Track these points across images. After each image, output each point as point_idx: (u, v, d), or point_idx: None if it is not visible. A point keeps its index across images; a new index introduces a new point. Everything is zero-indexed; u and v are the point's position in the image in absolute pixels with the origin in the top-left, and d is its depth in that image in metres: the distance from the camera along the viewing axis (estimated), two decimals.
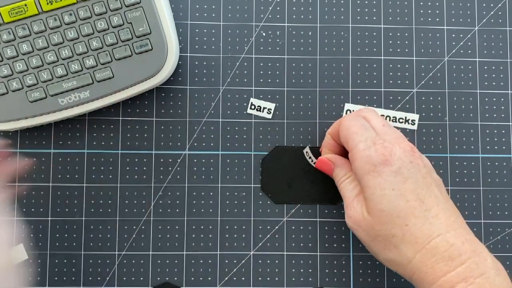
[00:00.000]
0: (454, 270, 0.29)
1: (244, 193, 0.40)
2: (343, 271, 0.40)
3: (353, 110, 0.40)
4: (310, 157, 0.40)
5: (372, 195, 0.32)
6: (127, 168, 0.40)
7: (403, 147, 0.32)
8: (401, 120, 0.41)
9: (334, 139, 0.37)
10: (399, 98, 0.41)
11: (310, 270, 0.40)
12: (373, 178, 0.32)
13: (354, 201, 0.34)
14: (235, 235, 0.40)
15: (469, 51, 0.42)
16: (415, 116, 0.41)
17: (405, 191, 0.31)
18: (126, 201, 0.40)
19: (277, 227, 0.40)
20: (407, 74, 0.41)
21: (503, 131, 0.41)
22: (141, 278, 0.39)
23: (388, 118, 0.41)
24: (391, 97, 0.41)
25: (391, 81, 0.41)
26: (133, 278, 0.39)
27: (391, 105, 0.41)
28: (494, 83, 0.41)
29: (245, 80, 0.41)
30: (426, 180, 0.32)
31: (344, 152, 0.38)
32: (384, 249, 0.32)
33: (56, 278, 0.39)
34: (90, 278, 0.39)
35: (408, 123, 0.41)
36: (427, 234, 0.30)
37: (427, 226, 0.31)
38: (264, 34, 0.41)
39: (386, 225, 0.31)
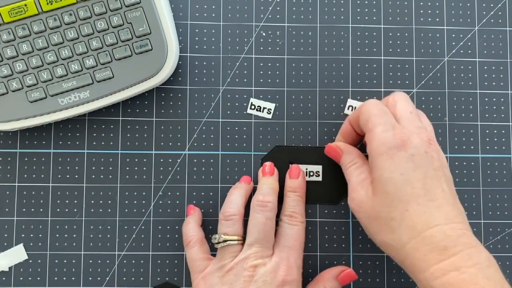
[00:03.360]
0: (447, 259, 0.29)
1: None
2: None
3: (355, 107, 0.40)
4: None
5: (381, 177, 0.32)
6: (127, 168, 0.40)
7: (421, 137, 0.32)
8: None
9: (352, 126, 0.37)
10: None
11: (310, 270, 0.40)
12: (385, 160, 0.32)
13: (359, 185, 0.34)
14: None
15: (469, 51, 0.42)
16: None
17: (413, 178, 0.31)
18: (126, 201, 0.40)
19: (277, 227, 0.40)
20: (407, 74, 0.41)
21: (503, 131, 0.41)
22: (141, 278, 0.39)
23: None
24: None
25: (391, 81, 0.41)
26: (133, 278, 0.39)
27: None
28: (494, 83, 0.41)
29: (245, 80, 0.41)
30: (437, 172, 0.32)
31: (357, 142, 0.38)
32: (381, 231, 0.32)
33: (56, 278, 0.39)
34: (90, 278, 0.39)
35: None
36: (425, 222, 0.31)
37: (427, 215, 0.31)
38: (264, 34, 0.41)
39: (388, 208, 0.32)
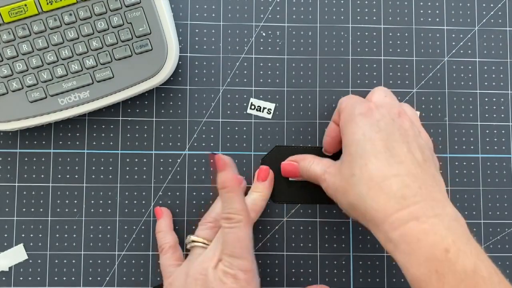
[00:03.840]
0: (406, 208, 0.28)
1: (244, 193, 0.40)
2: (343, 271, 0.40)
3: None
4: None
5: (346, 142, 0.32)
6: (127, 168, 0.40)
7: (389, 109, 0.33)
8: None
9: (337, 124, 0.37)
10: (399, 98, 0.41)
11: (310, 270, 0.40)
12: (351, 126, 0.32)
13: (326, 172, 0.34)
14: None
15: (469, 51, 0.42)
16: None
17: (374, 138, 0.31)
18: (126, 201, 0.40)
19: (277, 227, 0.40)
20: (407, 74, 0.41)
21: (503, 131, 0.41)
22: (141, 278, 0.39)
23: None
24: None
25: (391, 81, 0.41)
26: (133, 278, 0.39)
27: None
28: (494, 83, 0.41)
29: (245, 80, 0.41)
30: (404, 138, 0.31)
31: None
32: (346, 192, 0.32)
33: (56, 278, 0.39)
34: (90, 278, 0.39)
35: None
36: (383, 173, 0.30)
37: (386, 168, 0.30)
38: (264, 34, 0.41)
39: (349, 167, 0.31)
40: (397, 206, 0.29)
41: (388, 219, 0.29)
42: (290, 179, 0.40)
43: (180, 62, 0.40)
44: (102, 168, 0.40)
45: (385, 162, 0.30)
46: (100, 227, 0.39)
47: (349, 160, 0.32)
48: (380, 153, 0.31)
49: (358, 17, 0.41)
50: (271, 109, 0.40)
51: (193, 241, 0.35)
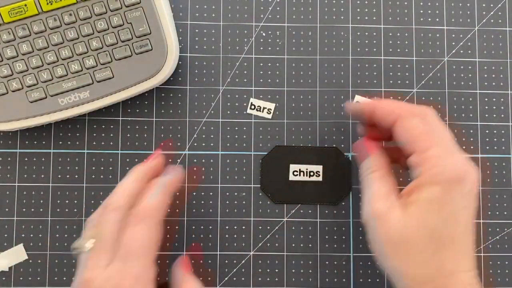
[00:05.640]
0: None
1: (244, 193, 0.40)
2: (343, 271, 0.40)
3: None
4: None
5: (429, 205, 0.29)
6: (127, 168, 0.40)
7: (477, 174, 0.30)
8: None
9: (374, 122, 0.33)
10: (399, 98, 0.41)
11: (310, 271, 0.40)
12: (440, 190, 0.29)
13: (384, 197, 0.30)
14: (235, 235, 0.40)
15: (469, 51, 0.42)
16: None
17: (461, 217, 0.29)
18: None
19: (277, 227, 0.40)
20: (407, 74, 0.41)
21: (503, 131, 0.41)
22: None
23: None
24: (391, 97, 0.41)
25: (391, 81, 0.41)
26: None
27: None
28: (494, 83, 0.41)
29: (245, 80, 0.41)
30: (474, 214, 0.30)
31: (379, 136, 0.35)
32: (400, 258, 0.29)
33: (56, 278, 0.39)
34: None
35: None
36: (454, 266, 0.28)
37: (457, 260, 0.29)
38: (264, 34, 0.41)
39: (422, 239, 0.28)
40: None
41: None
42: (290, 179, 0.40)
43: (180, 62, 0.40)
44: (102, 168, 0.40)
45: (459, 252, 0.29)
46: None
47: (424, 229, 0.28)
48: (458, 238, 0.29)
49: (358, 17, 0.41)
50: (271, 109, 0.41)
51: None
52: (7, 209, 0.39)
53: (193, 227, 0.40)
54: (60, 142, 0.40)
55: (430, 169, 0.29)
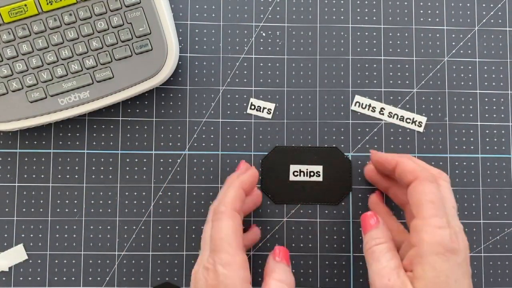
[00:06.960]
0: None
1: None
2: (343, 271, 0.40)
3: (362, 103, 0.40)
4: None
5: (436, 279, 0.29)
6: (127, 168, 0.40)
7: (466, 242, 0.31)
8: (408, 121, 0.41)
9: (379, 170, 0.37)
10: (399, 98, 0.41)
11: (310, 271, 0.40)
12: (442, 262, 0.30)
13: (394, 272, 0.31)
14: None
15: (469, 51, 0.42)
16: (422, 118, 0.41)
17: (464, 286, 0.30)
18: (126, 201, 0.40)
19: (277, 227, 0.40)
20: (407, 74, 0.41)
21: (503, 131, 0.41)
22: (141, 278, 0.39)
23: (395, 116, 0.41)
24: (391, 97, 0.41)
25: (391, 81, 0.41)
26: (133, 278, 0.39)
27: (391, 106, 0.41)
28: (494, 83, 0.41)
29: (245, 80, 0.41)
30: (470, 278, 0.31)
31: (381, 184, 0.38)
32: None
33: (56, 278, 0.39)
34: (90, 278, 0.39)
35: (415, 125, 0.41)
36: None
37: None
38: (264, 34, 0.41)
39: None
40: None
41: None
42: (290, 179, 0.40)
43: (180, 62, 0.40)
44: (102, 168, 0.40)
45: None
46: (100, 227, 0.39)
47: None
48: None
49: (358, 17, 0.41)
50: (271, 109, 0.41)
51: None
52: (7, 209, 0.39)
53: (193, 227, 0.40)
54: (60, 142, 0.40)
55: (430, 238, 0.30)
